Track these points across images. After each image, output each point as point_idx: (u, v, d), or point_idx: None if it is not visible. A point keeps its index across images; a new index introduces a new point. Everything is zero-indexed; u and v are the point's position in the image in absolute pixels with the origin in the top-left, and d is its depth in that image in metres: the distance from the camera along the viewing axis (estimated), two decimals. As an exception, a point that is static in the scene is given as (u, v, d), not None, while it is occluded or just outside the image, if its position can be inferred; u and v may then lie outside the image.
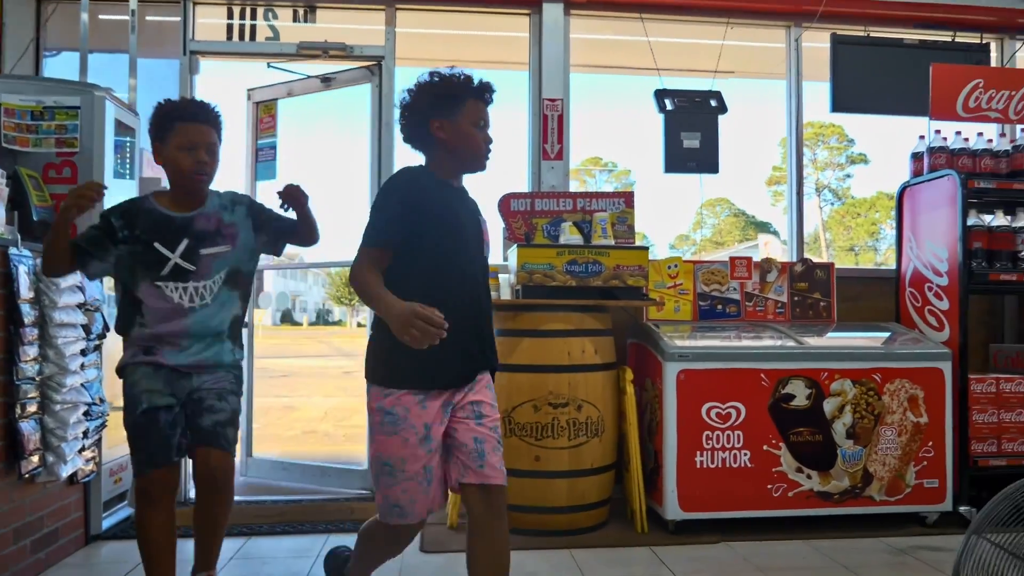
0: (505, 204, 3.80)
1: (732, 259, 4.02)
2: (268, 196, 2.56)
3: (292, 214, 2.43)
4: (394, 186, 2.01)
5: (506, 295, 3.65)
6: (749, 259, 4.02)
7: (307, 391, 10.57)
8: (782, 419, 3.29)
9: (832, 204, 32.38)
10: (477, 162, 2.06)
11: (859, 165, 32.13)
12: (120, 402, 2.39)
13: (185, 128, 2.25)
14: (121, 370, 2.34)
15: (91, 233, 2.29)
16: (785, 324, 3.92)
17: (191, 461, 2.32)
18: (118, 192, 3.44)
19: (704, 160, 4.13)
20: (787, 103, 4.40)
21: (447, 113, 2.00)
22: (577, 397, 3.23)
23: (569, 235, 3.66)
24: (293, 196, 2.36)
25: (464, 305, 2.00)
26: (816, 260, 4.08)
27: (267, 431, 7.18)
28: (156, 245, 2.27)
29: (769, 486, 3.27)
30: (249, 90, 4.32)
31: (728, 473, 3.25)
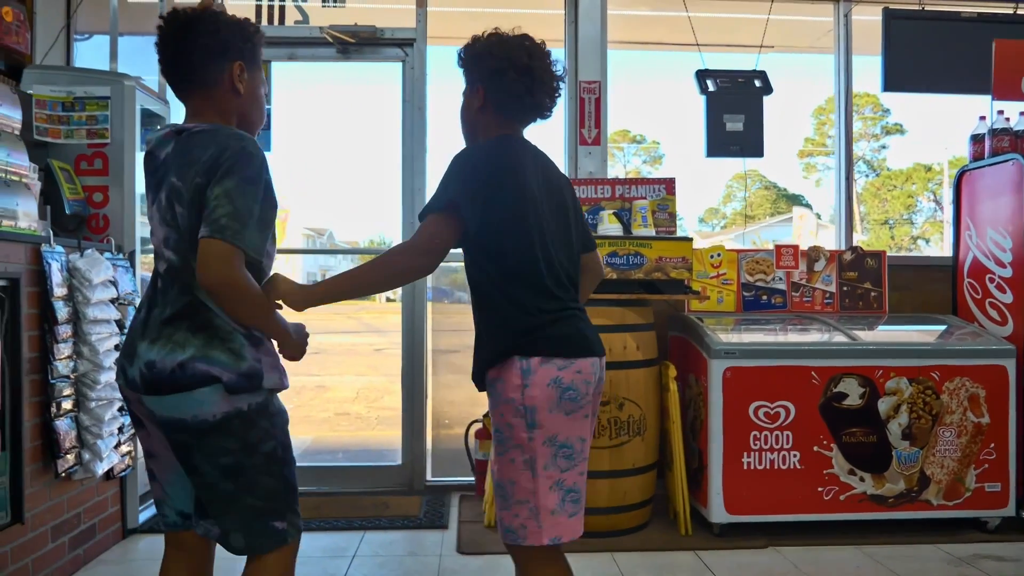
0: (542, 192, 3.68)
1: (778, 247, 3.86)
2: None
3: None
4: None
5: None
6: (796, 247, 3.86)
7: (338, 370, 10.60)
8: (834, 419, 3.15)
9: (867, 176, 31.59)
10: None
11: (895, 136, 31.21)
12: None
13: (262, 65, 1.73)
14: (264, 388, 1.57)
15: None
16: (833, 316, 3.76)
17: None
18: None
19: (748, 143, 3.96)
20: (835, 83, 4.19)
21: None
22: (619, 395, 3.12)
23: (608, 224, 3.53)
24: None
25: None
26: (866, 248, 3.90)
27: (300, 412, 7.19)
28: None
29: (819, 489, 3.15)
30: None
31: (776, 475, 3.13)
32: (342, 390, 8.80)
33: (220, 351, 1.51)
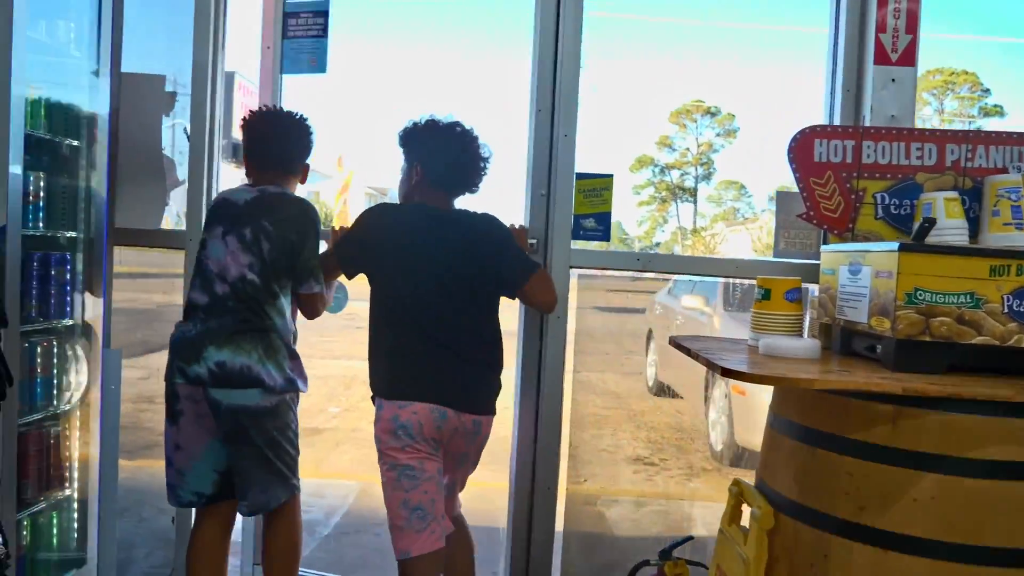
0: (804, 148, 1.94)
1: None
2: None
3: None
4: None
5: (801, 347, 1.75)
6: None
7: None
8: None
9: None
10: None
11: (993, 118, 28.52)
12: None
13: None
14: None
15: None
16: None
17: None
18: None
19: None
20: None
21: None
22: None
23: (946, 219, 1.83)
24: None
25: None
26: None
27: (337, 423, 5.51)
28: None
29: None
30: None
31: None
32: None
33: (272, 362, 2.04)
